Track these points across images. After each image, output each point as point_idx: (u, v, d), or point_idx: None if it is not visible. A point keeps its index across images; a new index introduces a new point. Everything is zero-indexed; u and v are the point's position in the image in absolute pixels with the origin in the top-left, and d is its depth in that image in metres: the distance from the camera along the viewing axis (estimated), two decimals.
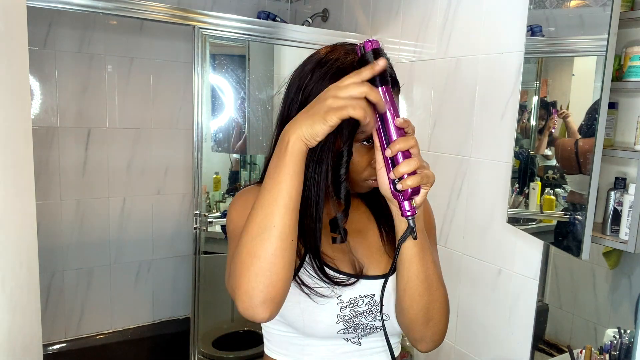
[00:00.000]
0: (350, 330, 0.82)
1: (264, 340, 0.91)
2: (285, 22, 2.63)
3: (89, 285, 2.46)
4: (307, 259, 0.80)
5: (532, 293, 1.54)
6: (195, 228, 2.02)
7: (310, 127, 0.65)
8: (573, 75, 1.38)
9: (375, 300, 0.83)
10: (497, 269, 1.66)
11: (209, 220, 2.09)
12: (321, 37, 2.16)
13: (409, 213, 0.70)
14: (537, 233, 1.48)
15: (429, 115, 1.92)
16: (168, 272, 2.65)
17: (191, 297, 2.11)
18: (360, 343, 0.85)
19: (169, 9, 1.79)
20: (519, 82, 1.54)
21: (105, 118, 2.38)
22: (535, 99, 1.50)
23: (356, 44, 0.75)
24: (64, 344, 2.40)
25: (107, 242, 2.47)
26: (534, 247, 1.53)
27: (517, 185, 1.55)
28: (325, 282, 0.79)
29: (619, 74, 1.25)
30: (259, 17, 2.55)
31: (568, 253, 1.29)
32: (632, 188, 1.20)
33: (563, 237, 1.35)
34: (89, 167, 2.38)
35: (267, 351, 0.90)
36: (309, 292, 0.79)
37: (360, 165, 0.79)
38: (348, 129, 0.72)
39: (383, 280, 0.81)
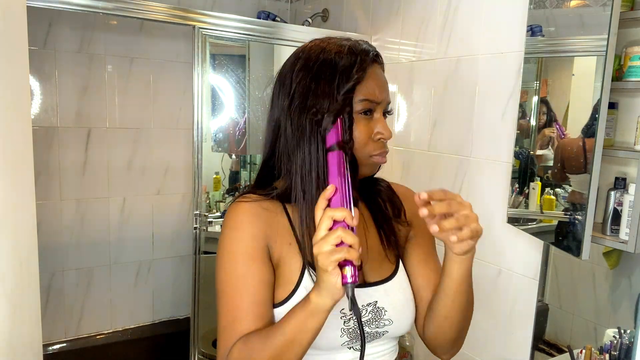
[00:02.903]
0: (354, 340, 0.81)
1: None
2: (285, 22, 2.63)
3: (89, 285, 2.46)
4: (306, 272, 0.79)
5: (532, 293, 1.54)
6: (195, 228, 2.02)
7: (331, 298, 0.66)
8: (573, 75, 1.38)
9: (378, 307, 0.82)
10: (497, 269, 1.66)
11: (209, 220, 2.09)
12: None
13: (344, 280, 0.66)
14: (537, 233, 1.48)
15: (429, 115, 1.92)
16: (168, 272, 2.65)
17: (191, 297, 2.11)
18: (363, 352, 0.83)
19: (169, 9, 1.79)
20: (519, 82, 1.54)
21: (105, 118, 2.38)
22: (535, 99, 1.50)
23: None
24: (64, 344, 2.39)
25: (107, 242, 2.47)
26: (534, 247, 1.53)
27: (517, 185, 1.55)
28: None
29: (619, 74, 1.25)
30: (259, 17, 2.55)
31: (568, 253, 1.29)
32: (632, 188, 1.20)
33: (563, 237, 1.35)
34: (89, 167, 2.37)
35: None
36: None
37: (361, 139, 0.78)
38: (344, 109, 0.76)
39: (384, 284, 0.82)
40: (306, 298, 0.69)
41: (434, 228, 0.67)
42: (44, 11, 1.65)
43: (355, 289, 0.74)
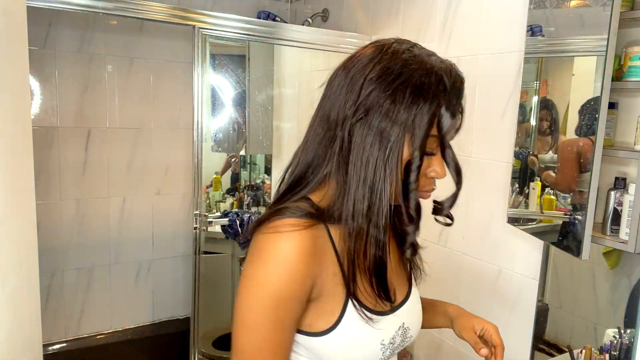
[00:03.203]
0: (389, 356, 0.78)
1: None
2: (285, 22, 2.63)
3: (89, 285, 2.46)
4: (349, 303, 0.72)
5: (532, 293, 1.54)
6: (195, 228, 2.02)
7: None
8: (573, 75, 1.38)
9: (405, 328, 0.80)
10: (497, 269, 1.66)
11: (209, 220, 2.09)
12: (321, 37, 2.16)
13: None
14: (537, 233, 1.48)
15: None
16: (168, 272, 2.65)
17: (191, 297, 2.11)
18: None
19: (169, 9, 1.79)
20: (519, 82, 1.54)
21: (105, 118, 2.38)
22: (535, 99, 1.50)
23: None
24: (64, 344, 2.40)
25: (107, 242, 2.47)
26: (534, 247, 1.53)
27: (517, 185, 1.55)
28: (369, 325, 0.72)
29: (619, 74, 1.25)
30: (259, 17, 2.55)
31: (568, 253, 1.29)
32: (632, 188, 1.20)
33: (563, 237, 1.35)
34: (89, 167, 2.37)
35: None
36: (358, 338, 0.72)
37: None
38: (422, 137, 0.69)
39: (406, 303, 0.82)
40: None
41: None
42: (44, 11, 1.65)
43: (389, 315, 0.77)
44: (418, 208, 0.74)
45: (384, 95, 0.67)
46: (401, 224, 0.75)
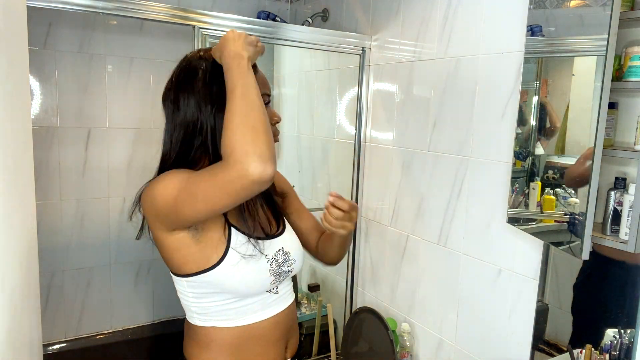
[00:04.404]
0: (276, 280, 1.07)
1: (193, 315, 1.08)
2: (285, 22, 2.63)
3: (89, 285, 2.46)
4: (233, 231, 1.02)
5: (532, 293, 1.55)
6: None
7: (251, 52, 0.96)
8: (573, 75, 1.38)
9: (285, 251, 1.09)
10: (497, 269, 1.66)
11: None
12: (321, 37, 2.16)
13: None
14: (537, 233, 1.48)
15: (428, 115, 1.92)
16: (168, 272, 2.64)
17: None
18: (277, 291, 1.09)
19: (169, 9, 1.79)
20: (519, 82, 1.54)
21: (105, 118, 2.38)
22: (535, 99, 1.50)
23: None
24: (64, 344, 2.39)
25: (107, 242, 2.47)
26: (534, 247, 1.53)
27: (517, 185, 1.55)
28: (256, 247, 1.03)
29: (619, 74, 1.25)
30: (259, 17, 2.55)
31: (568, 253, 1.29)
32: (632, 188, 1.20)
33: (563, 237, 1.35)
34: (89, 167, 2.38)
35: (200, 322, 1.06)
36: (246, 257, 1.01)
37: None
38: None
39: (282, 235, 1.12)
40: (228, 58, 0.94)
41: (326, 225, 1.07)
42: (44, 11, 1.65)
43: (266, 241, 1.07)
44: None
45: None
46: None
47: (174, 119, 1.02)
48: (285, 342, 1.14)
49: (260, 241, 1.04)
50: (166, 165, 1.03)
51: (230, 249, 1.00)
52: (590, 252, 1.22)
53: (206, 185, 0.87)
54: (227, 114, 0.86)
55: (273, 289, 1.08)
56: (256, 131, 0.84)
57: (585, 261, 1.22)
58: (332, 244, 1.21)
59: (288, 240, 1.13)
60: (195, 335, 1.08)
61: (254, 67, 1.02)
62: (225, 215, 1.03)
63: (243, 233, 1.03)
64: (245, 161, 0.81)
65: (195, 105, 0.99)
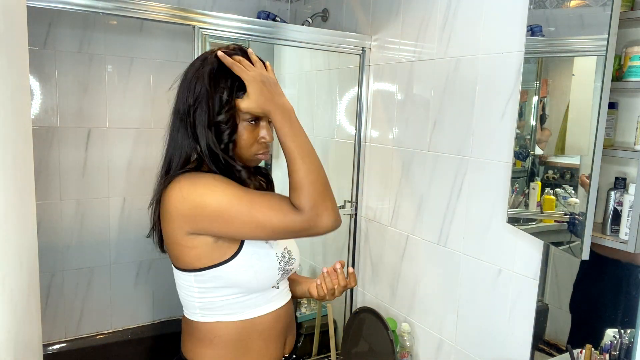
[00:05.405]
0: (282, 277, 1.11)
1: (196, 311, 1.09)
2: (285, 22, 2.63)
3: (89, 285, 2.46)
4: None
5: (532, 293, 1.54)
6: None
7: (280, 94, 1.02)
8: (573, 75, 1.38)
9: (288, 250, 1.13)
10: (497, 269, 1.66)
11: None
12: (321, 37, 2.16)
13: None
14: (537, 233, 1.48)
15: (428, 115, 1.92)
16: (168, 272, 2.63)
17: None
18: (278, 287, 1.12)
19: (169, 9, 1.79)
20: (519, 82, 1.54)
21: (105, 118, 2.38)
22: (535, 99, 1.50)
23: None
24: (64, 344, 2.39)
25: (107, 242, 2.47)
26: (534, 247, 1.53)
27: (517, 185, 1.55)
28: (267, 243, 1.07)
29: (619, 74, 1.25)
30: (259, 17, 2.55)
31: (568, 253, 1.29)
32: (632, 188, 1.20)
33: (563, 237, 1.35)
34: (89, 167, 2.37)
35: (203, 318, 1.08)
36: (259, 253, 1.04)
37: (249, 141, 1.04)
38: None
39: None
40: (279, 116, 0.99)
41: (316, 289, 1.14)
42: (44, 11, 1.65)
43: (275, 240, 1.09)
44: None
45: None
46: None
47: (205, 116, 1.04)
48: (284, 338, 1.16)
49: (270, 240, 1.08)
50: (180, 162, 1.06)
51: (245, 244, 1.03)
52: (591, 252, 1.22)
53: (274, 218, 0.95)
54: (298, 172, 0.96)
55: (274, 284, 1.11)
56: (328, 189, 0.98)
57: (585, 260, 1.22)
58: (299, 289, 1.24)
59: (290, 240, 1.16)
60: (198, 332, 1.09)
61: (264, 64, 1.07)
62: None
63: None
64: (323, 214, 0.96)
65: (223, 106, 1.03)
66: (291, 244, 1.17)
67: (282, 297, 1.14)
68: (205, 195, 0.96)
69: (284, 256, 1.10)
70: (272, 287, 1.11)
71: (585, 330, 1.42)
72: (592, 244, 1.22)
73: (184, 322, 1.15)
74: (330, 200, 0.97)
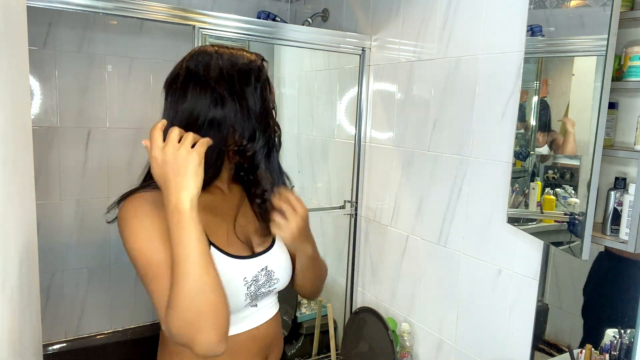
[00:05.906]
0: (252, 302, 1.00)
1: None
2: (285, 22, 2.63)
3: (89, 285, 2.46)
4: (212, 249, 0.92)
5: (532, 293, 1.54)
6: None
7: (195, 186, 0.85)
8: (573, 75, 1.38)
9: (269, 270, 1.01)
10: (497, 269, 1.66)
11: None
12: (321, 37, 2.16)
13: None
14: (537, 233, 1.48)
15: (428, 115, 1.92)
16: None
17: None
18: (257, 305, 1.02)
19: (169, 9, 1.79)
20: (519, 82, 1.54)
21: (105, 118, 2.38)
22: (535, 99, 1.50)
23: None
24: (64, 344, 2.39)
25: (107, 242, 2.47)
26: (534, 247, 1.53)
27: (517, 185, 1.55)
28: (232, 265, 0.95)
29: (619, 74, 1.25)
30: (259, 17, 2.55)
31: (568, 253, 1.29)
32: (632, 188, 1.20)
33: (563, 237, 1.35)
34: (89, 167, 2.38)
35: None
36: (223, 278, 0.87)
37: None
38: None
39: (269, 251, 1.03)
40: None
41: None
42: (44, 11, 1.65)
43: (250, 259, 0.99)
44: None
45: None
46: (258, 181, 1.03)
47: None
48: (264, 357, 1.06)
49: (240, 260, 0.97)
50: None
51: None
52: (601, 252, 1.21)
53: (157, 306, 0.84)
54: (172, 288, 0.81)
55: (251, 304, 1.00)
56: (204, 315, 0.79)
57: (596, 261, 1.22)
58: (300, 267, 1.09)
59: (276, 256, 1.04)
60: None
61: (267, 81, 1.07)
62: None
63: (222, 252, 0.95)
64: (194, 344, 0.80)
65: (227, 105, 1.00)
66: (275, 260, 1.03)
67: (260, 315, 1.03)
68: (126, 241, 0.95)
69: (257, 279, 0.98)
70: (249, 305, 1.00)
71: (587, 331, 1.42)
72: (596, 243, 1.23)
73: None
74: (206, 330, 0.79)
